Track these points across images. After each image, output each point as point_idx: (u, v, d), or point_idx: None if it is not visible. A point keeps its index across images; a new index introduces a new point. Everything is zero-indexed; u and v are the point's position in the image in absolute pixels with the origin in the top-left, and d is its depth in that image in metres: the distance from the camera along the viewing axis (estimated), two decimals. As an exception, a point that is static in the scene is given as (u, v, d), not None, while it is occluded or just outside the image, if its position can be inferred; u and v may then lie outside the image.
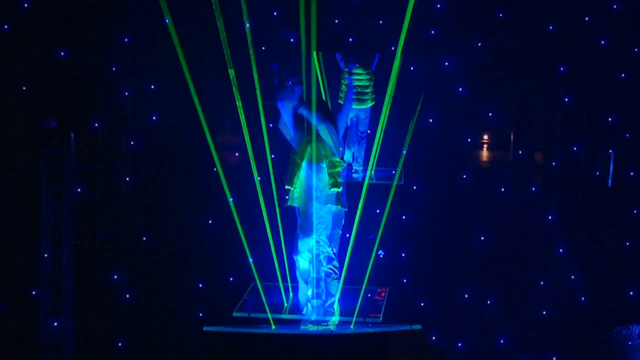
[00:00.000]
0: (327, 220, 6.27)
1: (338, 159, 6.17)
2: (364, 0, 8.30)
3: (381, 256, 8.81)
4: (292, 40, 8.18)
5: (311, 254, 6.28)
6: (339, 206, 6.17)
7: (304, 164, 6.15)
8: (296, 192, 6.22)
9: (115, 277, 8.07)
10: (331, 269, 6.29)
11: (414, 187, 9.30)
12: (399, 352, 6.35)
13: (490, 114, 10.40)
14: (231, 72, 5.52)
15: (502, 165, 12.14)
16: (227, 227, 9.77)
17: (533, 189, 9.48)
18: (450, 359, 7.83)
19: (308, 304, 6.26)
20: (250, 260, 6.19)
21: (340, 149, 6.26)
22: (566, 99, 7.84)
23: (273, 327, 6.01)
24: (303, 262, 6.30)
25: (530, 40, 8.02)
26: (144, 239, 8.38)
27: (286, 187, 6.20)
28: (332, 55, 9.40)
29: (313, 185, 6.14)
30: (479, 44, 8.27)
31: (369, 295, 6.60)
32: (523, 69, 10.28)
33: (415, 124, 11.66)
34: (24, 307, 7.65)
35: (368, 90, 9.09)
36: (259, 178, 6.10)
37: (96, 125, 8.18)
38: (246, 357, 6.08)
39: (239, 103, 5.58)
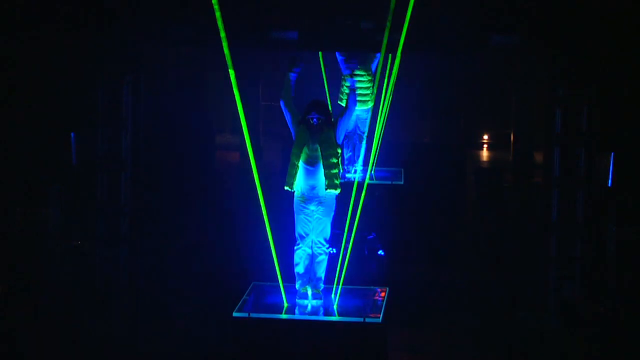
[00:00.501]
0: (325, 222, 6.29)
1: (336, 160, 6.18)
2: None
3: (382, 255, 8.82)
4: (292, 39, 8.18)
5: (310, 250, 6.32)
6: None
7: (300, 163, 6.18)
8: (297, 196, 6.24)
9: (115, 276, 8.06)
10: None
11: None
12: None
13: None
14: (231, 72, 5.50)
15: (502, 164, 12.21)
16: (228, 227, 9.84)
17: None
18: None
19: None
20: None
21: (340, 150, 6.28)
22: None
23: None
24: (300, 259, 6.35)
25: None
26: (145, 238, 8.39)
27: (285, 188, 6.22)
28: (332, 55, 9.43)
29: (309, 186, 6.17)
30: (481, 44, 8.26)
31: (369, 295, 6.61)
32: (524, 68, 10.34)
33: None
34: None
35: (368, 92, 9.10)
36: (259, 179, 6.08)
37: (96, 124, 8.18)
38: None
39: (239, 103, 5.56)
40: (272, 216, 6.24)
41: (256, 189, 5.97)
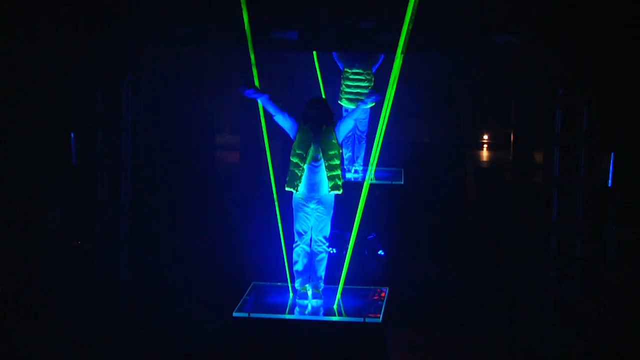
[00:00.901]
0: (325, 220, 6.29)
1: (338, 162, 6.16)
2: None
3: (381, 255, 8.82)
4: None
5: (309, 248, 6.32)
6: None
7: (306, 166, 6.13)
8: (297, 195, 6.22)
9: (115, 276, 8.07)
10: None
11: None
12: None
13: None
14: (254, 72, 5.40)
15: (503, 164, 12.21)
16: (227, 227, 9.84)
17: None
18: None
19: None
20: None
21: (341, 151, 6.28)
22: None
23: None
24: (298, 257, 6.35)
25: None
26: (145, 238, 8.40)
27: (286, 189, 6.21)
28: (329, 55, 9.44)
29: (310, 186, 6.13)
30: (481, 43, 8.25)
31: (369, 295, 6.61)
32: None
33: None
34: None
35: (367, 92, 9.07)
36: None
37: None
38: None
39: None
40: (273, 216, 6.26)
41: (257, 188, 5.98)
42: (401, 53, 5.66)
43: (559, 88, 7.73)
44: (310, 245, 6.34)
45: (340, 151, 6.25)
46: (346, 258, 6.31)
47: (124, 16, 7.80)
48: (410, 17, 5.45)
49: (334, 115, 6.30)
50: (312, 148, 6.10)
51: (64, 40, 7.94)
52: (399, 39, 5.70)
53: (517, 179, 11.13)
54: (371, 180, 8.49)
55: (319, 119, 6.12)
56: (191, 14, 7.71)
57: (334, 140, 6.14)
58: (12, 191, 8.02)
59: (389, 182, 9.39)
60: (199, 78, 10.97)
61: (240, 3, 5.62)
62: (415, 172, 10.10)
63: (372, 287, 6.86)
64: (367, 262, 8.68)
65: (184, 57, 10.39)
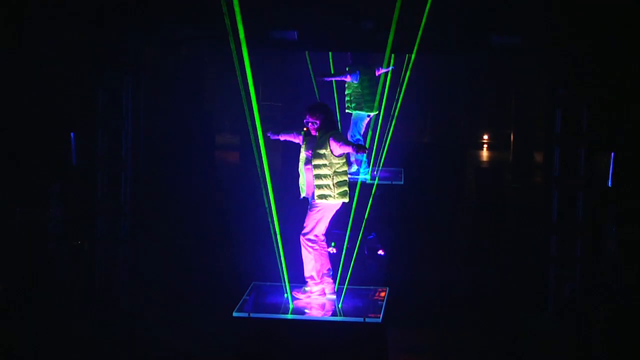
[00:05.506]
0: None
1: (327, 173, 6.03)
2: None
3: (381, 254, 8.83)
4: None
5: None
6: None
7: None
8: (333, 200, 6.14)
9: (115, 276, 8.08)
10: None
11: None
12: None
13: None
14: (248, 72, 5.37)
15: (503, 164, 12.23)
16: (226, 226, 9.84)
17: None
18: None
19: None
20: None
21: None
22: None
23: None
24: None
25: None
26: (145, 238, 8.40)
27: (303, 196, 6.24)
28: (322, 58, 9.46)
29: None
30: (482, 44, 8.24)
31: (370, 295, 6.60)
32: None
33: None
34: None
35: (369, 98, 9.01)
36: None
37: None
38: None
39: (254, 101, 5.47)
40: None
41: (259, 189, 5.93)
42: (411, 54, 5.58)
43: (559, 88, 7.74)
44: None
45: (338, 161, 6.09)
46: (342, 258, 6.29)
47: (124, 16, 7.80)
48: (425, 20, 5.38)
49: (332, 117, 6.21)
50: (302, 152, 6.21)
51: (65, 40, 7.94)
52: (402, 40, 5.67)
53: (517, 179, 11.16)
54: (367, 180, 8.50)
55: (313, 125, 6.10)
56: (192, 14, 7.71)
57: (326, 150, 6.02)
58: (12, 191, 8.01)
59: (389, 182, 9.39)
60: (198, 78, 10.97)
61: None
62: (415, 172, 10.11)
63: (372, 287, 6.85)
64: (367, 262, 8.69)
65: (184, 57, 10.40)
